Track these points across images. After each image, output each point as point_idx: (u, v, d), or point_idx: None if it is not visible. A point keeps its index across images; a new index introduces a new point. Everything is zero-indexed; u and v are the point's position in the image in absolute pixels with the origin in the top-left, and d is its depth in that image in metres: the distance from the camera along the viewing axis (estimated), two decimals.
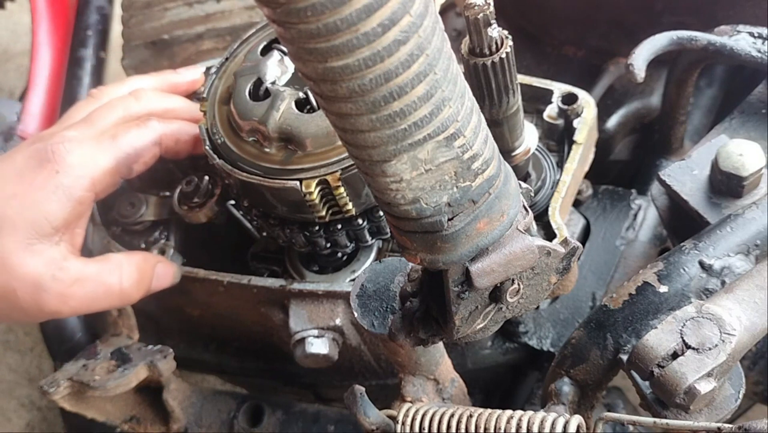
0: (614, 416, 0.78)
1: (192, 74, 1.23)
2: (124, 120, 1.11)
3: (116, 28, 1.57)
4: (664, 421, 0.76)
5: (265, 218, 1.08)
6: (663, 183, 1.01)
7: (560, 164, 1.13)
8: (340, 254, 1.13)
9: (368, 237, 1.09)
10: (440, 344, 0.93)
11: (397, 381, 0.94)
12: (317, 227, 1.05)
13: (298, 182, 0.97)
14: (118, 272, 1.05)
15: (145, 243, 1.20)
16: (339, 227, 1.05)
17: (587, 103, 1.14)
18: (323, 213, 1.01)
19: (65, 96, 1.57)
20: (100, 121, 1.10)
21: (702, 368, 0.75)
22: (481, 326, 0.73)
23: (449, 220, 0.62)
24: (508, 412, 0.79)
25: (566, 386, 0.90)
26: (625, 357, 0.85)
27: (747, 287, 0.81)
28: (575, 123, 1.14)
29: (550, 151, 1.14)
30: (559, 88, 1.16)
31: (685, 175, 1.00)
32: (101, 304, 1.06)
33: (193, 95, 1.22)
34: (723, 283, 0.86)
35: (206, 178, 1.16)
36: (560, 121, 1.15)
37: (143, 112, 1.13)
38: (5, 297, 1.00)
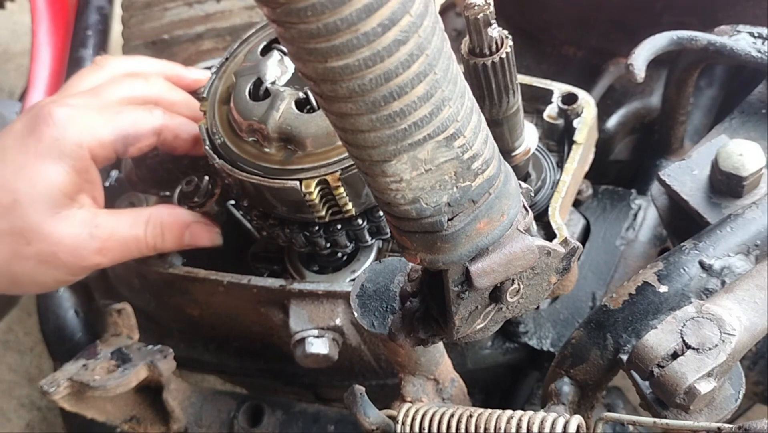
0: (614, 416, 0.78)
1: (198, 73, 1.24)
2: (130, 100, 1.12)
3: (116, 28, 1.57)
4: (664, 421, 0.76)
5: (265, 218, 1.08)
6: (663, 183, 1.01)
7: (560, 164, 1.13)
8: (340, 254, 1.13)
9: (368, 237, 1.09)
10: (440, 344, 0.93)
11: (397, 381, 0.94)
12: (317, 227, 1.05)
13: (298, 182, 0.97)
14: (143, 225, 1.09)
15: None
16: (339, 227, 1.05)
17: (587, 103, 1.14)
18: (323, 213, 1.01)
19: None
20: (106, 94, 1.11)
21: (702, 368, 0.75)
22: (481, 326, 0.73)
23: (449, 220, 0.62)
24: (508, 412, 0.79)
25: (566, 386, 0.90)
26: (625, 357, 0.85)
27: (747, 287, 0.81)
28: (575, 123, 1.14)
29: (550, 151, 1.14)
30: (559, 88, 1.16)
31: (685, 175, 1.00)
32: (133, 254, 1.11)
33: (192, 95, 1.22)
34: (723, 283, 0.86)
35: (206, 178, 1.16)
36: (560, 121, 1.15)
37: (150, 97, 1.14)
38: (48, 262, 1.04)
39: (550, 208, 1.08)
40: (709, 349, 0.76)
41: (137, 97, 1.12)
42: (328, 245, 1.08)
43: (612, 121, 1.41)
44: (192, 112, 1.16)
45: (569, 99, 1.15)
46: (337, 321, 1.09)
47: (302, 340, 1.09)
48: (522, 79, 1.14)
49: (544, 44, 1.50)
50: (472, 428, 0.79)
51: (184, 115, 1.15)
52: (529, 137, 1.04)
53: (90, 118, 1.06)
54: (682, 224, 1.02)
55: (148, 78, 1.15)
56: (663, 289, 0.87)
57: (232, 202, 1.19)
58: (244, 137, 1.03)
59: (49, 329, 1.38)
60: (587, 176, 1.21)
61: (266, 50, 1.07)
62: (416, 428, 0.82)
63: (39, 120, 1.04)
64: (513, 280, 0.70)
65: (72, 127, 1.04)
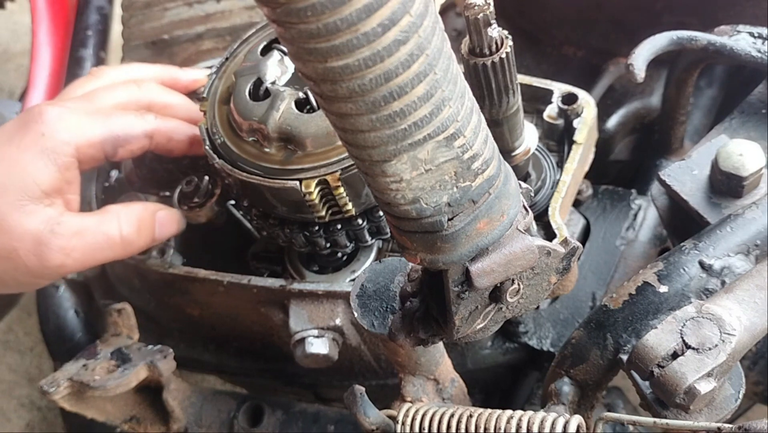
0: (614, 416, 0.78)
1: (195, 74, 1.24)
2: (124, 105, 1.12)
3: (116, 28, 1.57)
4: (664, 421, 0.76)
5: (265, 218, 1.08)
6: (663, 183, 1.01)
7: (560, 164, 1.13)
8: (340, 254, 1.13)
9: (368, 237, 1.09)
10: (440, 344, 0.93)
11: (397, 381, 0.94)
12: (317, 227, 1.05)
13: (298, 182, 0.97)
14: (116, 221, 1.06)
15: None
16: (339, 227, 1.05)
17: (587, 103, 1.14)
18: (323, 213, 1.01)
19: None
20: (99, 100, 1.11)
21: (702, 368, 0.75)
22: (481, 326, 0.73)
23: (449, 220, 0.62)
24: (508, 412, 0.79)
25: (566, 386, 0.90)
26: (625, 357, 0.85)
27: (747, 287, 0.81)
28: (575, 123, 1.14)
29: (550, 151, 1.14)
30: (559, 88, 1.16)
31: (685, 175, 1.00)
32: (105, 254, 1.06)
33: (192, 95, 1.22)
34: (723, 283, 0.86)
35: (206, 178, 1.16)
36: (560, 121, 1.15)
37: (144, 101, 1.14)
38: (7, 258, 1.01)
39: (550, 209, 1.08)
40: (709, 349, 0.76)
41: (130, 102, 1.13)
42: (328, 245, 1.08)
43: (612, 121, 1.41)
44: (188, 113, 1.16)
45: (569, 99, 1.15)
46: (337, 321, 1.09)
47: (302, 340, 1.09)
48: (522, 79, 1.14)
49: (544, 44, 1.50)
50: (472, 428, 0.79)
51: (180, 117, 1.15)
52: (529, 137, 1.04)
53: (80, 118, 1.06)
54: (682, 224, 1.02)
55: (141, 84, 1.16)
56: (663, 289, 0.87)
57: (232, 202, 1.19)
58: (244, 137, 1.03)
59: (49, 329, 1.38)
60: (587, 176, 1.21)
61: (266, 50, 1.07)
62: (416, 428, 0.82)
63: (29, 118, 1.04)
64: (513, 280, 0.70)
65: (60, 124, 1.04)
